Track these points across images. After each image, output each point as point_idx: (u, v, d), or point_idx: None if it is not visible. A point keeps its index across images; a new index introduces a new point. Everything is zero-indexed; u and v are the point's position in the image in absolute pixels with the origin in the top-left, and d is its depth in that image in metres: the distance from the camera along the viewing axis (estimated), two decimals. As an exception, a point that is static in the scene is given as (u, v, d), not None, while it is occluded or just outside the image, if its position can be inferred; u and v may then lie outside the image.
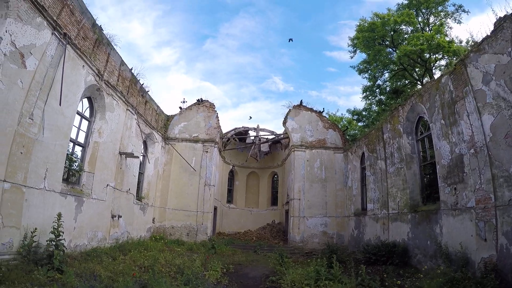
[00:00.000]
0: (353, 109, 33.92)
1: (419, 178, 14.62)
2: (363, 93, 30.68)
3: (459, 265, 9.88)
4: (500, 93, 9.45)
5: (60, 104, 10.54)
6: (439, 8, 26.79)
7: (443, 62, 26.39)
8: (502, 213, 9.02)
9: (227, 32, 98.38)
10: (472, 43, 10.73)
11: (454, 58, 23.42)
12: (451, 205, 11.23)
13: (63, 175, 11.65)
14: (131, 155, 16.29)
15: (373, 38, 26.57)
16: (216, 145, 23.01)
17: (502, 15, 9.48)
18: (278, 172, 30.46)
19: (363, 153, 20.58)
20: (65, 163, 11.77)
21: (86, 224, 12.94)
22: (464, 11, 25.91)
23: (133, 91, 16.86)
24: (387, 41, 27.10)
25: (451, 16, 26.36)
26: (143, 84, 17.91)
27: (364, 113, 32.79)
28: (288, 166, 25.73)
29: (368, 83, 30.16)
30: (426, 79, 26.30)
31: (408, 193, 14.46)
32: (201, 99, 23.48)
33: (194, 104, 23.55)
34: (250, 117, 49.67)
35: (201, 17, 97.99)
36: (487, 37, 9.94)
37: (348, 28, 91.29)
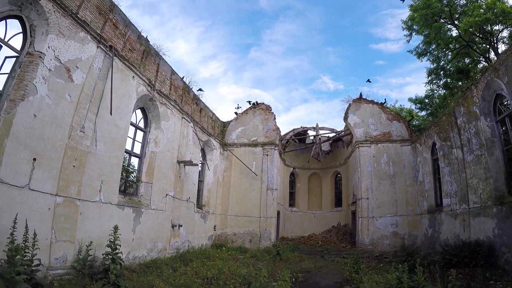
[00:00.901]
0: (414, 97, 31.83)
1: (503, 164, 12.88)
2: (428, 76, 28.51)
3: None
4: None
5: (111, 114, 10.79)
6: None
7: (505, 34, 23.96)
8: None
9: (270, 38, 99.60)
10: None
11: None
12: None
13: (120, 187, 11.96)
14: (189, 163, 16.52)
15: (431, 15, 24.60)
16: (277, 148, 22.66)
17: None
18: (341, 171, 29.35)
19: (433, 143, 19.06)
20: (122, 174, 12.05)
21: (145, 235, 13.14)
22: None
23: (186, 99, 17.12)
24: (445, 18, 25.02)
25: None
26: (198, 90, 18.30)
27: (426, 100, 30.66)
28: (352, 164, 24.66)
29: (432, 66, 28.05)
30: (491, 55, 24.02)
31: (492, 183, 12.85)
32: (256, 102, 23.41)
33: (250, 108, 23.53)
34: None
35: (243, 27, 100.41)
36: None
37: (390, 17, 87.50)
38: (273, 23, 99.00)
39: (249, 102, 23.53)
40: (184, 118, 16.61)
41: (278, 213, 23.72)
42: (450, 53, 27.05)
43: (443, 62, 27.82)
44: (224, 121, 23.26)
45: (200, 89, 18.63)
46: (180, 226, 16.01)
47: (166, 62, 15.08)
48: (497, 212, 12.32)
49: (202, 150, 20.12)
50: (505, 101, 13.83)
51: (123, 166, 12.21)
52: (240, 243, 20.65)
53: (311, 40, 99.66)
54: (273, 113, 23.13)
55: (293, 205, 29.26)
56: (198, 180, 18.91)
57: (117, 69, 11.42)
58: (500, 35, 24.36)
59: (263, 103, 23.39)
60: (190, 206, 17.35)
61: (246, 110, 23.39)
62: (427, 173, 19.66)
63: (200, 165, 19.40)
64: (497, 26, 23.59)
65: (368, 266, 14.70)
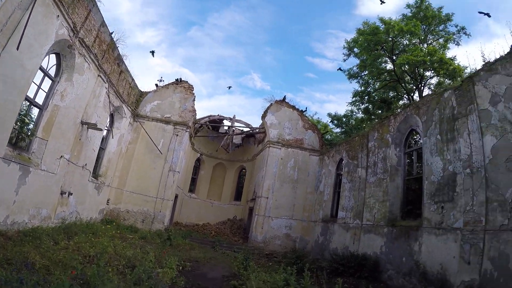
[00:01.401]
0: (334, 113, 33.87)
1: (401, 192, 14.35)
2: (353, 97, 30.54)
3: (436, 286, 9.76)
4: (507, 116, 9.32)
5: (17, 49, 9.13)
6: (441, 27, 27.20)
7: (433, 81, 26.86)
8: (491, 238, 8.86)
9: (215, 22, 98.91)
10: (484, 62, 10.67)
11: (447, 79, 23.90)
12: (435, 223, 11.00)
13: (10, 139, 10.33)
14: (94, 126, 14.96)
15: (375, 42, 26.36)
16: (188, 130, 21.99)
17: None
18: (247, 167, 29.81)
19: (341, 159, 20.36)
20: (16, 124, 10.43)
21: (30, 198, 11.52)
22: (465, 33, 26.41)
23: (109, 57, 15.59)
24: (385, 50, 26.97)
25: (451, 39, 26.70)
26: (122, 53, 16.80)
27: (344, 119, 32.80)
28: (259, 162, 25.18)
29: (360, 89, 30.08)
30: (415, 95, 26.73)
31: (387, 206, 14.19)
32: (180, 79, 22.40)
33: (172, 83, 22.38)
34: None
35: (191, 3, 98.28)
36: (502, 58, 9.81)
37: (334, 37, 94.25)
38: (223, 8, 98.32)
39: (177, 79, 22.58)
40: (100, 76, 15.11)
41: (176, 196, 23.12)
42: (379, 82, 29.28)
43: (370, 88, 30.01)
44: (142, 91, 21.91)
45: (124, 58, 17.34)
46: (70, 194, 14.44)
47: (99, 10, 13.53)
48: (388, 233, 13.58)
49: (111, 116, 18.54)
50: (417, 137, 15.31)
51: (19, 114, 10.60)
52: (132, 222, 19.58)
53: (254, 35, 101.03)
54: (194, 94, 22.38)
55: (193, 191, 28.80)
56: (100, 148, 17.40)
57: (43, 2, 9.97)
58: (429, 81, 27.17)
59: (187, 81, 22.53)
60: (85, 174, 15.82)
61: (168, 84, 22.27)
62: (328, 185, 20.89)
63: (105, 131, 17.95)
64: (429, 72, 26.15)
65: (257, 263, 14.92)
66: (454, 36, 26.64)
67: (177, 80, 22.36)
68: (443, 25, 27.09)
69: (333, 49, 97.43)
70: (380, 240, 13.99)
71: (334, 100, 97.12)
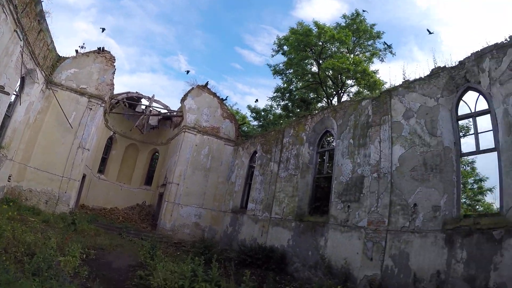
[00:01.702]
0: (253, 106, 34.38)
1: (311, 189, 15.21)
2: (275, 92, 31.15)
3: (340, 279, 10.53)
4: (417, 131, 10.48)
5: None
6: (370, 42, 29.17)
7: (353, 89, 28.70)
8: (392, 237, 9.92)
9: None
10: (403, 79, 11.75)
11: (366, 90, 25.72)
12: (341, 221, 11.95)
13: None
14: (1, 89, 13.29)
15: (305, 43, 27.06)
16: (103, 105, 20.37)
17: (441, 65, 10.62)
18: (160, 150, 28.70)
19: (255, 152, 20.80)
20: None
21: None
22: (391, 52, 28.62)
23: (30, 12, 13.63)
24: (313, 53, 27.85)
25: (377, 54, 28.84)
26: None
27: (262, 113, 33.51)
28: (173, 147, 24.52)
29: (283, 85, 30.76)
30: (334, 100, 28.13)
31: (296, 201, 14.93)
32: (103, 48, 20.45)
33: (94, 51, 20.23)
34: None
35: None
36: (420, 78, 11.00)
37: (266, 33, 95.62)
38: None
39: (100, 48, 20.69)
40: (16, 32, 13.21)
41: (84, 176, 21.31)
42: (302, 83, 30.30)
43: (292, 87, 30.84)
44: (61, 55, 19.72)
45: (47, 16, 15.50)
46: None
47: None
48: (295, 227, 14.31)
49: (22, 80, 16.43)
50: (330, 139, 16.23)
51: None
52: (34, 203, 17.33)
53: (188, 16, 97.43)
54: (114, 66, 20.73)
55: (103, 172, 26.75)
56: (5, 115, 15.39)
57: None
58: (349, 89, 28.86)
59: (110, 52, 20.82)
60: (-17, 143, 14.01)
61: (88, 52, 20.22)
62: (240, 176, 21.23)
63: (13, 96, 15.93)
64: (351, 81, 27.73)
65: (165, 252, 14.49)
66: (380, 53, 28.88)
67: (99, 49, 20.53)
68: (372, 40, 29.11)
69: (263, 44, 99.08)
70: (287, 234, 14.67)
71: (255, 94, 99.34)
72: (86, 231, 15.36)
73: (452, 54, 25.96)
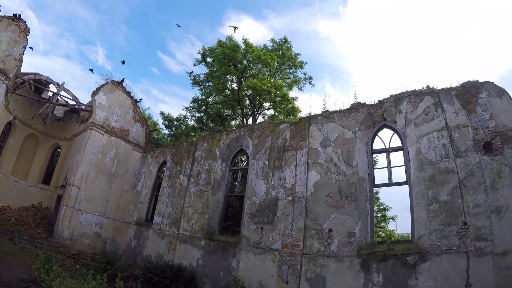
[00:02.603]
0: (167, 113, 33.22)
1: (221, 206, 15.01)
2: (192, 103, 30.21)
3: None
4: (334, 159, 10.94)
5: None
6: (291, 70, 29.86)
7: (269, 112, 29.18)
8: (308, 261, 10.17)
9: None
10: (323, 110, 12.25)
11: (282, 116, 26.35)
12: (254, 242, 11.91)
13: None
14: None
15: (230, 58, 26.67)
16: (7, 82, 17.56)
17: (361, 102, 11.28)
18: (63, 146, 25.42)
19: (164, 162, 19.97)
20: None
21: None
22: (310, 83, 29.55)
23: None
24: (237, 69, 27.65)
25: (298, 83, 29.43)
26: None
27: (175, 122, 32.52)
28: (77, 145, 22.07)
29: (201, 96, 30.06)
30: (249, 120, 28.26)
31: (206, 218, 14.57)
32: (19, 16, 17.23)
33: (7, 17, 16.98)
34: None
35: None
36: (340, 111, 11.64)
37: (190, 43, 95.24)
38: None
39: (15, 15, 17.67)
40: None
41: None
42: (220, 97, 29.90)
43: (210, 99, 30.24)
44: None
45: None
46: None
47: None
48: (205, 245, 13.93)
49: None
50: (244, 158, 16.12)
51: None
52: None
53: (116, 7, 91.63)
54: (27, 40, 17.85)
55: None
56: None
57: None
58: (265, 111, 29.16)
59: (26, 22, 17.91)
60: None
61: (1, 17, 17.18)
62: (147, 186, 20.17)
63: None
64: (268, 103, 28.08)
65: (62, 265, 13.07)
66: (301, 82, 29.60)
67: (14, 15, 17.43)
68: (294, 69, 29.86)
69: (185, 54, 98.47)
70: (197, 252, 14.20)
71: (169, 102, 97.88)
72: None
73: (360, 94, 27.90)
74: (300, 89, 29.72)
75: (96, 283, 8.90)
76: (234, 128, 16.39)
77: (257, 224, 12.15)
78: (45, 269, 10.19)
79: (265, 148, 13.36)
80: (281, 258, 10.81)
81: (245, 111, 29.35)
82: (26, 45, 18.35)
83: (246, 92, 27.07)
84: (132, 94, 22.75)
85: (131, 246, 18.88)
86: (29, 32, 18.36)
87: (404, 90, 10.50)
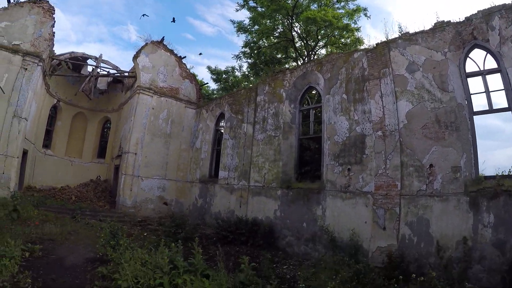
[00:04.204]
0: (214, 67, 32.31)
1: (296, 151, 14.23)
2: (243, 47, 29.28)
3: (348, 252, 9.75)
4: (425, 85, 9.69)
5: None
6: (341, 4, 27.20)
7: (323, 51, 27.41)
8: (407, 203, 9.25)
9: None
10: (401, 32, 10.96)
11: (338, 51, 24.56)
12: (341, 186, 11.14)
13: None
14: None
15: None
16: (41, 63, 17.50)
17: (446, 20, 9.93)
18: (112, 118, 26.15)
19: (221, 114, 19.46)
20: None
21: None
22: (366, 15, 26.93)
23: None
24: (288, 7, 25.72)
25: (359, 11, 26.88)
26: None
27: (224, 76, 31.70)
28: (127, 112, 22.25)
29: (252, 39, 28.77)
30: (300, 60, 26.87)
31: (280, 166, 13.92)
32: None
33: (29, 1, 16.78)
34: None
35: None
36: (423, 31, 10.20)
37: (219, 4, 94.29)
38: None
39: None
40: None
41: (26, 153, 18.56)
42: (270, 39, 28.54)
43: (261, 43, 28.92)
44: None
45: None
46: None
47: None
48: (282, 195, 13.37)
49: None
50: (315, 95, 15.23)
51: None
52: None
53: None
54: (54, 18, 17.55)
55: (49, 147, 23.72)
56: None
57: None
58: (319, 51, 27.56)
59: (48, 1, 17.66)
60: None
61: (22, 3, 16.63)
62: (206, 142, 19.90)
63: None
64: (323, 42, 26.48)
65: (129, 234, 12.73)
66: (360, 13, 26.93)
67: None
68: (344, 2, 27.25)
69: (216, 15, 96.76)
70: (273, 204, 13.72)
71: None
72: (32, 218, 13.42)
73: (434, 17, 25.55)
74: (355, 22, 27.37)
75: (171, 252, 8.23)
76: (299, 64, 15.41)
77: (342, 166, 11.30)
78: (111, 245, 9.51)
79: (340, 81, 12.26)
80: (375, 202, 9.93)
81: (301, 51, 27.82)
82: (53, 23, 18.19)
83: (299, 30, 25.39)
84: (175, 52, 22.07)
85: (197, 205, 18.94)
86: (54, 11, 18.20)
87: (493, 5, 8.96)
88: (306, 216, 12.12)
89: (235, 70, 31.56)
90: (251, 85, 18.17)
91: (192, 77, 22.81)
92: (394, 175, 9.69)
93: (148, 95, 20.18)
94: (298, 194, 12.74)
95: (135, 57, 20.42)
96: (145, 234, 14.58)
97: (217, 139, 19.79)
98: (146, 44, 20.75)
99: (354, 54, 12.14)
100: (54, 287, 6.91)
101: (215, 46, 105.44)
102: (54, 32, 18.28)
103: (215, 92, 32.29)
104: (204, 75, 61.42)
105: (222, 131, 19.13)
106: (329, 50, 26.75)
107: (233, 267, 8.60)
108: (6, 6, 16.92)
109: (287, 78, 14.92)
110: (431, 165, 9.12)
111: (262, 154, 15.09)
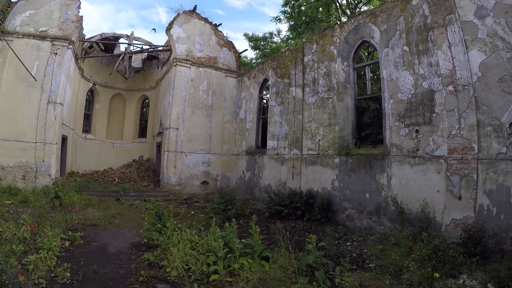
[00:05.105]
0: (251, 34, 31.76)
1: (352, 113, 13.54)
2: (283, 5, 28.22)
3: (417, 226, 9.27)
4: (498, 32, 8.64)
5: None
6: None
7: (365, 8, 25.93)
8: (486, 168, 8.46)
9: None
10: None
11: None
12: (408, 150, 10.44)
13: None
14: None
15: None
16: (71, 46, 17.67)
17: None
18: (150, 96, 26.54)
19: (264, 79, 19.01)
20: None
21: None
22: None
23: None
24: None
25: None
26: None
27: (262, 43, 31.08)
28: (165, 87, 22.24)
29: None
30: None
31: (336, 131, 13.33)
32: None
33: None
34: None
35: None
36: None
37: None
38: None
39: None
40: None
41: (65, 139, 19.16)
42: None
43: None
44: (12, 0, 17.02)
45: None
46: None
47: None
48: (340, 163, 12.88)
49: None
50: (371, 50, 14.37)
51: None
52: (10, 181, 15.50)
53: None
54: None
55: (89, 131, 24.61)
56: None
57: None
58: (362, 7, 26.17)
59: None
60: None
61: None
62: (251, 111, 19.59)
63: None
64: None
65: (175, 214, 12.47)
66: None
67: None
68: None
69: None
70: (330, 173, 13.29)
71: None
72: (74, 203, 13.78)
73: None
74: None
75: (225, 232, 7.84)
76: (349, 18, 14.51)
77: (409, 127, 10.53)
78: (157, 228, 9.17)
79: (399, 32, 11.30)
80: (449, 167, 9.16)
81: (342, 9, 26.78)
82: (79, 5, 18.32)
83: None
84: (209, 20, 21.70)
85: (244, 178, 18.87)
86: (78, -9, 17.94)
87: None
88: (368, 185, 11.59)
89: (274, 35, 30.69)
90: (296, 46, 17.38)
91: (230, 44, 22.32)
92: (470, 136, 8.90)
93: (186, 66, 20.02)
94: (358, 161, 12.18)
95: (168, 29, 20.23)
96: (192, 212, 14.80)
97: (263, 107, 19.40)
98: (178, 14, 20.50)
99: (412, 1, 11.10)
100: (95, 281, 6.57)
101: (247, 19, 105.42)
102: (81, 16, 18.38)
103: (253, 61, 31.61)
104: (239, 47, 61.16)
105: (267, 98, 18.68)
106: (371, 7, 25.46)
107: (293, 245, 8.38)
108: (28, -5, 17.13)
109: (336, 34, 14.10)
110: (511, 124, 8.27)
111: (314, 119, 14.55)
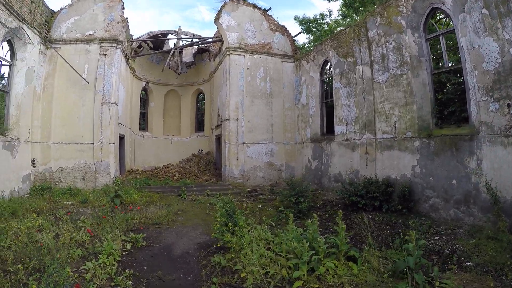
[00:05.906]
0: (301, 17, 30.63)
1: (430, 90, 12.39)
2: None
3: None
4: None
5: None
6: None
7: None
8: None
9: None
10: None
11: None
12: (499, 129, 9.36)
13: None
14: None
15: None
16: (120, 46, 18.23)
17: None
18: (204, 89, 26.95)
19: (325, 61, 18.23)
20: None
21: None
22: None
23: None
24: None
25: None
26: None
27: (315, 25, 30.02)
28: (220, 78, 22.24)
29: None
30: None
31: (414, 110, 12.30)
32: None
33: None
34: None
35: None
36: None
37: None
38: None
39: None
40: None
41: (122, 138, 19.96)
42: None
43: None
44: (55, 10, 17.84)
45: None
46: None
47: None
48: (421, 146, 11.90)
49: (10, 44, 14.74)
50: (443, 17, 13.22)
51: None
52: (70, 182, 16.52)
53: None
54: (122, 0, 18.55)
55: (145, 129, 25.76)
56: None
57: None
58: None
59: None
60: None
61: None
62: (313, 96, 18.95)
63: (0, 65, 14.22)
64: None
65: (241, 207, 12.63)
66: None
67: None
68: None
69: None
70: (410, 158, 12.34)
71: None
72: (135, 201, 14.10)
73: None
74: None
75: (308, 232, 7.24)
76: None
77: (499, 101, 9.35)
78: (229, 227, 8.54)
79: (475, -7, 10.26)
80: None
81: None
82: (122, 5, 18.80)
83: None
84: (258, 6, 21.29)
85: (311, 168, 18.36)
86: (120, -9, 18.40)
87: None
88: (455, 171, 10.53)
89: (325, 16, 29.67)
90: (356, 21, 16.48)
91: (283, 28, 21.79)
92: None
93: (240, 54, 19.86)
94: (442, 143, 11.13)
95: (216, 19, 20.14)
96: (260, 206, 14.55)
97: (324, 91, 18.70)
98: (225, 3, 20.31)
99: (489, -45, 9.94)
100: (160, 288, 6.19)
101: (290, 7, 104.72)
102: (127, 18, 18.85)
103: (306, 45, 30.72)
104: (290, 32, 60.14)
105: (329, 80, 17.95)
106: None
107: (381, 241, 7.83)
108: (71, 2, 17.85)
109: (402, 3, 13.00)
110: None
111: (387, 99, 13.61)
